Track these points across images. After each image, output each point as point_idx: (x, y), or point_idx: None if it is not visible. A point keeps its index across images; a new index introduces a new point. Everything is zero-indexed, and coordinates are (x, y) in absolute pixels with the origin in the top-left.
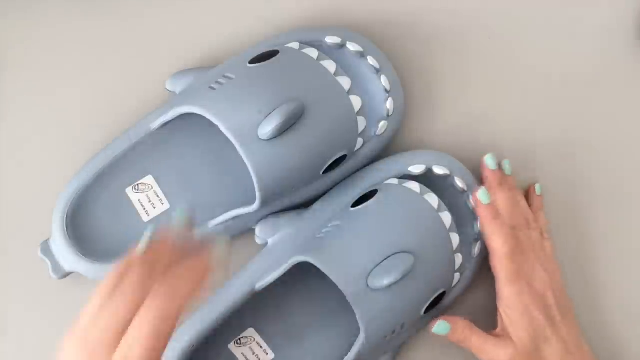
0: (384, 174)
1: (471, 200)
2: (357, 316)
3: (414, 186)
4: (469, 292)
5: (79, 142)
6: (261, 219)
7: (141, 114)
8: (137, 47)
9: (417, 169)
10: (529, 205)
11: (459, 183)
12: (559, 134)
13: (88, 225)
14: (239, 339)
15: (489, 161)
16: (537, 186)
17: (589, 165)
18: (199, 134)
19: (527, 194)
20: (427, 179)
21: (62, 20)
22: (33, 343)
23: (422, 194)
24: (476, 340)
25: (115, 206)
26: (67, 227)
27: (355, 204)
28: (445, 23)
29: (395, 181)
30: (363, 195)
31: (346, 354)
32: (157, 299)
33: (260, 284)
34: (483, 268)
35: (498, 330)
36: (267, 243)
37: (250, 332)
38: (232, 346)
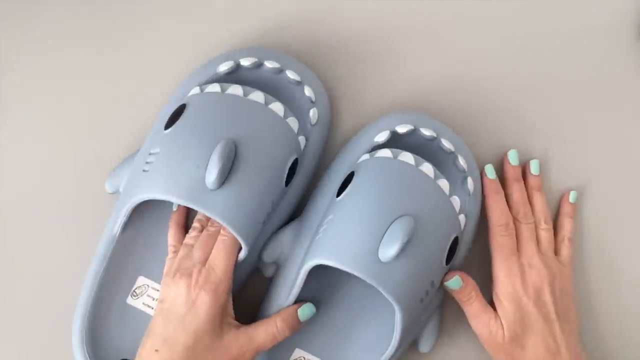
0: (354, 155)
1: (445, 144)
2: (383, 293)
3: (386, 153)
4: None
5: (82, 144)
6: (259, 253)
7: (143, 115)
8: (140, 47)
9: (382, 137)
10: (559, 211)
11: (427, 132)
12: (558, 134)
13: (111, 352)
14: None
15: (512, 157)
16: (572, 193)
17: (588, 166)
18: (162, 215)
19: (561, 200)
20: (397, 142)
21: (63, 22)
22: None
23: (395, 156)
24: (477, 306)
25: (126, 321)
26: None
27: (339, 193)
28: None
29: (367, 156)
30: (343, 182)
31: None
32: (221, 241)
33: (288, 303)
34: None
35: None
36: (274, 272)
37: (298, 352)
38: None
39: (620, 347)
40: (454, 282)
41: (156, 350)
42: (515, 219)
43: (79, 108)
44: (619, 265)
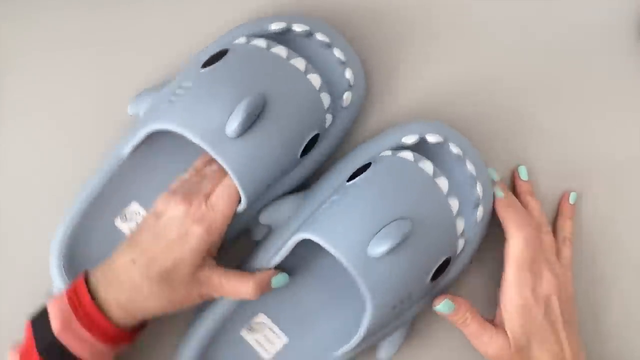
0: (377, 148)
1: (468, 167)
2: (360, 286)
3: (407, 155)
4: (468, 278)
5: (81, 144)
6: (255, 214)
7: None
8: (139, 48)
9: (410, 139)
10: (559, 212)
11: (454, 149)
12: (558, 135)
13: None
14: (251, 326)
15: (522, 172)
16: (572, 194)
17: (589, 167)
18: (172, 149)
19: (560, 201)
20: (422, 149)
21: (63, 22)
22: None
23: (416, 161)
24: (475, 326)
25: (109, 241)
26: (67, 276)
27: (351, 178)
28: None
29: (389, 152)
30: (358, 169)
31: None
32: (227, 187)
33: (268, 267)
34: (485, 259)
35: (495, 320)
36: (265, 236)
37: (262, 317)
38: (244, 333)
39: (620, 347)
40: (444, 305)
41: (134, 262)
42: None
43: (79, 108)
44: (618, 264)
